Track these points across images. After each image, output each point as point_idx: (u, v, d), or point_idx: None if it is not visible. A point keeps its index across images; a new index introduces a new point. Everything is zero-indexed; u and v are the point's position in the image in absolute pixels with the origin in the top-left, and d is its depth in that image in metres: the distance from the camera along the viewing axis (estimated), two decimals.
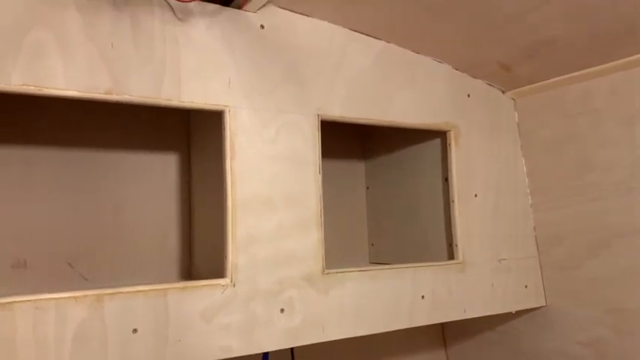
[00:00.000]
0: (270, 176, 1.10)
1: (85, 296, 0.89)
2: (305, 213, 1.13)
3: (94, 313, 0.89)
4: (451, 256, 1.38)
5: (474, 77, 1.44)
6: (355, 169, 1.72)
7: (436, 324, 1.81)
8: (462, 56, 1.36)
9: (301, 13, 1.17)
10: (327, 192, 1.64)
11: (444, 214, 1.42)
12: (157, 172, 1.38)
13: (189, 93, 1.03)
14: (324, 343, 1.58)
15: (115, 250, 1.31)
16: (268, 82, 1.12)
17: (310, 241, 1.13)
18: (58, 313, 0.87)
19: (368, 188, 1.71)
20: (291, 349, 1.47)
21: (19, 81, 0.88)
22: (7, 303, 0.83)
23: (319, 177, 1.16)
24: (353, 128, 1.73)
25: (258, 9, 1.10)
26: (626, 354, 1.32)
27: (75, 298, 0.88)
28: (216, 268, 1.11)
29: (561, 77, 1.37)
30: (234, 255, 1.04)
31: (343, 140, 1.70)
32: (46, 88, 0.90)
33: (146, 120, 1.37)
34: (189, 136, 1.42)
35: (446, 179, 1.41)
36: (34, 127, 1.24)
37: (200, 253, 1.34)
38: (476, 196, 1.40)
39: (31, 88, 0.89)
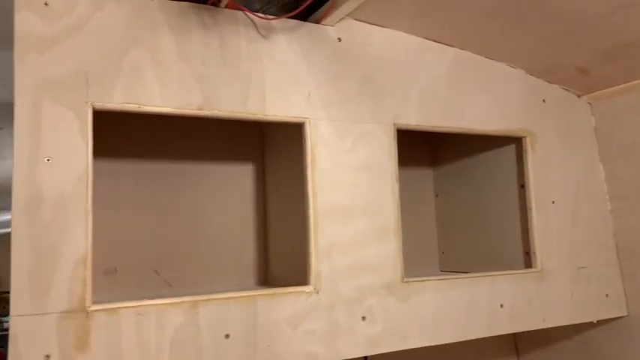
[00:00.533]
0: (349, 185, 1.12)
1: (182, 302, 0.94)
2: (383, 222, 1.14)
3: (190, 318, 0.94)
4: (528, 264, 1.35)
5: (550, 82, 1.41)
6: (424, 177, 1.72)
7: (508, 334, 1.78)
8: (538, 61, 1.34)
9: (377, 25, 1.19)
10: None
11: (520, 222, 1.40)
12: (234, 182, 1.42)
13: (273, 107, 1.06)
14: (394, 352, 1.59)
15: (197, 257, 1.36)
16: (345, 93, 1.14)
17: (389, 249, 1.14)
18: (158, 318, 0.91)
19: (437, 196, 1.71)
20: (365, 356, 1.48)
21: (120, 99, 0.93)
22: (114, 309, 0.89)
23: (396, 186, 1.17)
24: (422, 136, 1.72)
25: (336, 22, 1.13)
26: None
27: (172, 304, 0.93)
28: (292, 276, 1.14)
29: None
30: (317, 263, 1.07)
31: (412, 148, 1.70)
32: (145, 105, 0.95)
33: (223, 133, 1.42)
34: (264, 147, 1.46)
35: (522, 186, 1.39)
36: (120, 141, 1.31)
37: (276, 261, 1.38)
38: (553, 202, 1.37)
39: (132, 106, 0.94)
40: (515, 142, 1.41)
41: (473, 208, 1.57)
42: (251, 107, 1.04)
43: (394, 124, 1.18)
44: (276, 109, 1.06)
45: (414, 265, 1.60)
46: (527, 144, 1.36)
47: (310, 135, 1.09)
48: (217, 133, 1.41)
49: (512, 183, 1.43)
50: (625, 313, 1.43)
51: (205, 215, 1.38)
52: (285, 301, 1.02)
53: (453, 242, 1.65)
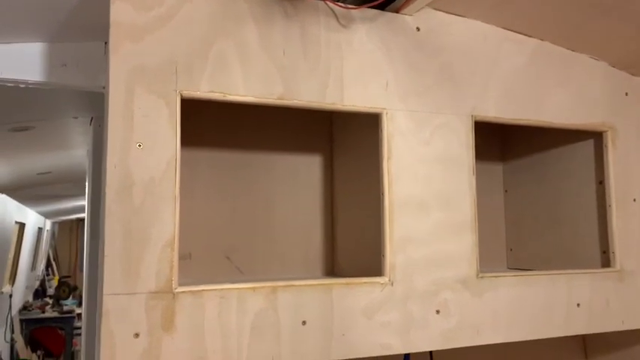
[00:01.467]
0: (425, 178, 1.11)
1: (262, 287, 0.95)
2: (459, 215, 1.13)
3: (269, 303, 0.95)
4: (606, 263, 1.30)
5: (633, 75, 1.35)
6: (493, 172, 1.68)
7: (578, 336, 1.72)
8: (621, 53, 1.29)
9: (456, 14, 1.17)
10: None
11: (597, 220, 1.35)
12: (302, 173, 1.44)
13: (351, 97, 1.06)
14: (460, 350, 1.56)
15: (266, 245, 1.38)
16: (423, 83, 1.13)
17: (465, 243, 1.12)
18: (240, 302, 0.94)
19: (506, 191, 1.67)
20: (430, 351, 1.47)
21: (207, 88, 0.96)
22: (198, 291, 0.91)
23: (473, 179, 1.15)
24: (492, 128, 1.69)
25: (415, 12, 1.11)
26: None
27: (253, 288, 0.95)
28: (360, 268, 1.14)
29: None
30: (392, 254, 1.06)
31: (481, 141, 1.66)
32: (229, 94, 0.97)
33: (294, 124, 1.43)
34: (332, 139, 1.46)
35: (600, 182, 1.34)
36: (196, 131, 1.35)
37: (343, 253, 1.38)
38: (635, 200, 1.31)
39: (217, 95, 0.97)
40: (594, 136, 1.35)
41: (545, 204, 1.52)
42: (329, 97, 1.05)
43: (472, 115, 1.16)
44: (353, 100, 1.06)
45: (481, 262, 1.58)
46: (608, 139, 1.30)
47: (387, 126, 1.08)
48: (288, 124, 1.42)
49: (589, 179, 1.38)
50: None
51: (275, 205, 1.40)
52: (360, 291, 1.02)
53: (522, 239, 1.61)
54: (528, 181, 1.59)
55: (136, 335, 0.87)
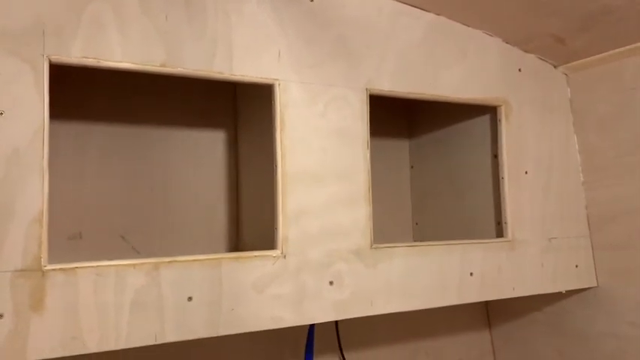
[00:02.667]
0: (320, 150, 1.10)
1: (143, 264, 0.91)
2: (354, 188, 1.13)
3: (152, 280, 0.92)
4: (500, 234, 1.35)
5: (526, 51, 1.40)
6: (399, 148, 1.70)
7: (480, 304, 1.79)
8: (514, 29, 1.32)
9: None
10: (371, 171, 1.63)
11: (492, 192, 1.39)
12: (205, 149, 1.40)
13: (241, 66, 1.03)
14: (366, 321, 1.59)
15: (166, 224, 1.33)
16: (317, 55, 1.11)
17: (359, 215, 1.13)
18: (118, 279, 0.89)
19: (412, 167, 1.70)
20: (336, 324, 1.48)
21: (79, 53, 0.90)
22: (71, 269, 0.86)
23: (367, 152, 1.15)
24: (398, 106, 1.71)
25: None
26: None
27: (133, 265, 0.91)
28: (264, 243, 1.13)
29: (618, 50, 1.32)
30: (285, 227, 1.05)
31: (388, 118, 1.69)
32: (104, 60, 0.92)
33: (195, 98, 1.38)
34: (237, 114, 1.43)
35: (495, 156, 1.39)
36: (87, 103, 1.27)
37: (248, 228, 1.36)
38: (526, 173, 1.36)
39: (91, 61, 0.91)
40: (490, 111, 1.40)
41: (447, 179, 1.56)
42: (217, 66, 1.01)
43: (367, 89, 1.16)
44: (244, 69, 1.03)
45: (387, 236, 1.60)
46: (502, 113, 1.35)
47: (280, 97, 1.06)
48: (189, 98, 1.38)
49: (486, 153, 1.43)
50: (594, 284, 1.45)
51: (175, 182, 1.36)
52: (251, 265, 1.00)
53: (426, 213, 1.65)
54: (432, 157, 1.62)
55: (0, 316, 0.81)
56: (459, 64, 1.29)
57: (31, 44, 0.86)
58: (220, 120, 1.41)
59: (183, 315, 0.94)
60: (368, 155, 1.15)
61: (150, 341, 0.91)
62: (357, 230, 1.12)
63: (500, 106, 1.35)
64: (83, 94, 1.26)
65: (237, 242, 1.40)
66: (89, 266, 0.88)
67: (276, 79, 1.06)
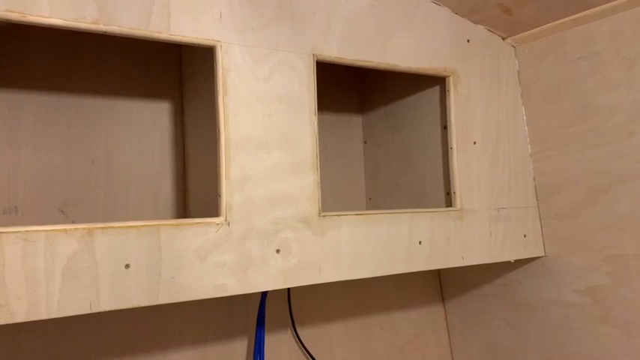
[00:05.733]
0: (265, 116, 1.07)
1: (76, 229, 0.87)
2: (301, 155, 1.11)
3: (85, 246, 0.88)
4: (449, 204, 1.36)
5: (474, 22, 1.40)
6: (353, 124, 1.69)
7: (434, 279, 1.81)
8: None
9: None
10: (324, 147, 1.62)
11: (442, 164, 1.40)
12: (149, 120, 1.35)
13: (180, 26, 0.99)
14: (320, 292, 1.58)
15: (108, 197, 1.29)
16: (262, 17, 1.08)
17: (306, 182, 1.11)
18: (48, 245, 0.85)
19: (365, 142, 1.69)
20: (288, 292, 1.47)
21: (1, 6, 0.84)
22: None
23: (315, 119, 1.13)
24: (350, 81, 1.70)
25: None
26: (625, 300, 1.31)
27: (65, 230, 0.86)
28: (210, 213, 1.09)
29: (562, 20, 1.34)
30: (229, 194, 1.02)
31: (341, 94, 1.68)
32: (30, 15, 0.86)
33: (137, 66, 1.33)
34: (182, 84, 1.39)
35: (445, 127, 1.39)
36: (20, 71, 1.21)
37: (195, 200, 1.32)
38: (475, 143, 1.37)
39: (14, 15, 0.85)
40: (439, 83, 1.40)
41: (399, 152, 1.56)
42: (154, 25, 0.97)
43: (314, 55, 1.14)
44: (182, 29, 0.99)
45: (342, 210, 1.60)
46: (451, 84, 1.35)
47: (222, 60, 1.03)
48: (131, 66, 1.33)
49: (436, 125, 1.43)
50: (542, 254, 1.47)
51: (117, 154, 1.31)
52: (192, 232, 0.97)
53: (379, 188, 1.64)
54: (384, 131, 1.62)
55: None
56: (407, 33, 1.28)
57: None
58: (165, 90, 1.37)
59: (120, 283, 0.90)
60: (315, 122, 1.13)
61: (84, 310, 0.87)
62: (305, 198, 1.10)
63: (448, 76, 1.35)
64: (15, 59, 1.20)
65: (184, 215, 1.37)
66: (16, 231, 0.83)
67: (218, 41, 1.03)
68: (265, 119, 1.07)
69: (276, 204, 1.07)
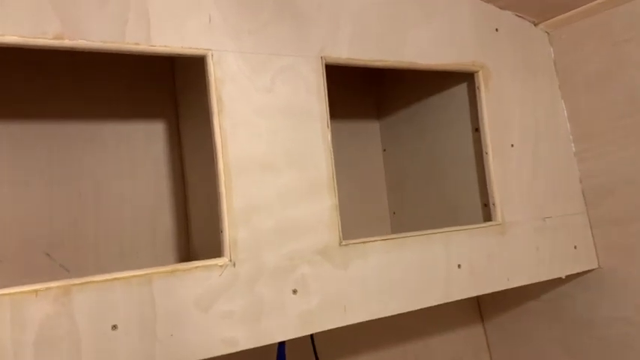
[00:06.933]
0: (269, 133, 0.91)
1: (48, 289, 0.72)
2: (313, 175, 0.95)
3: (61, 308, 0.72)
4: (488, 217, 1.19)
5: (501, 8, 1.23)
6: (369, 131, 1.53)
7: (470, 297, 1.63)
8: None
9: None
10: (339, 158, 1.45)
11: (476, 171, 1.23)
12: (141, 144, 1.20)
13: (161, 35, 0.84)
14: (346, 326, 1.40)
15: (99, 234, 1.13)
16: (258, 18, 0.92)
17: (322, 207, 0.94)
18: (15, 311, 0.70)
19: (385, 150, 1.52)
20: (311, 335, 1.30)
21: None
22: None
23: (328, 132, 0.97)
24: (364, 83, 1.53)
25: None
26: None
27: (35, 291, 0.71)
28: (213, 247, 0.94)
29: None
30: (232, 228, 0.86)
31: (354, 98, 1.51)
32: None
33: (124, 84, 1.18)
34: (176, 100, 1.23)
35: (476, 129, 1.22)
36: None
37: (198, 233, 1.17)
38: (512, 146, 1.20)
39: None
40: (467, 79, 1.23)
41: (425, 159, 1.39)
42: (131, 36, 0.81)
43: (322, 57, 0.98)
44: (165, 39, 0.84)
45: (363, 230, 1.43)
46: (480, 80, 1.18)
47: (214, 71, 0.87)
48: (116, 84, 1.18)
49: (466, 127, 1.26)
50: (595, 266, 1.29)
51: (108, 185, 1.15)
52: (191, 279, 0.81)
53: (404, 201, 1.47)
54: (406, 137, 1.45)
55: None
56: (427, 26, 1.11)
57: None
58: (157, 109, 1.21)
59: (107, 348, 0.74)
60: (329, 136, 0.97)
61: None
62: (322, 225, 0.94)
63: (477, 71, 1.18)
64: None
65: (187, 252, 1.21)
66: None
67: (208, 50, 0.87)
68: (269, 137, 0.91)
69: (289, 235, 0.91)
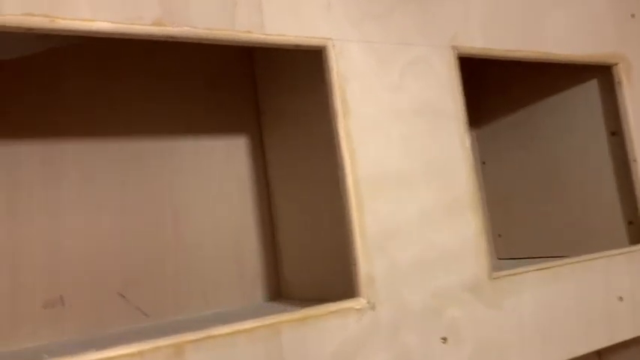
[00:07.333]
0: (402, 139, 0.74)
1: (156, 349, 0.54)
2: (455, 191, 0.76)
3: None
4: (636, 238, 0.98)
5: None
6: None
7: None
8: None
9: None
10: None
11: (615, 181, 1.03)
12: (221, 163, 1.03)
13: (276, 22, 0.67)
14: None
15: (179, 270, 0.96)
16: (383, 2, 0.76)
17: (467, 231, 0.76)
18: None
19: (484, 163, 1.33)
20: None
21: (18, 8, 0.54)
22: None
23: (466, 137, 0.79)
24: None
25: None
26: None
27: (140, 353, 0.53)
28: (317, 282, 0.76)
29: None
30: (367, 261, 0.68)
31: None
32: (62, 18, 0.56)
33: (200, 94, 1.02)
34: (259, 107, 1.07)
35: (613, 133, 1.02)
36: (54, 114, 0.91)
37: (292, 264, 0.99)
38: None
39: (38, 20, 0.55)
40: (599, 74, 1.04)
41: (538, 172, 1.20)
42: (241, 23, 0.65)
43: (453, 47, 0.80)
44: (280, 26, 0.67)
45: None
46: (621, 74, 0.99)
47: (337, 65, 0.70)
48: (191, 94, 1.02)
49: (597, 131, 1.06)
50: None
51: (187, 211, 0.98)
52: (325, 328, 0.63)
53: (513, 221, 1.27)
54: (512, 147, 1.26)
55: None
56: (563, 11, 0.94)
57: None
58: (238, 119, 1.05)
59: None
60: (467, 142, 0.79)
61: None
62: (468, 254, 0.75)
63: (616, 64, 0.99)
64: (47, 101, 0.90)
65: (278, 286, 1.03)
66: None
67: (329, 39, 0.70)
68: (404, 144, 0.74)
69: (433, 267, 0.72)
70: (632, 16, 1.04)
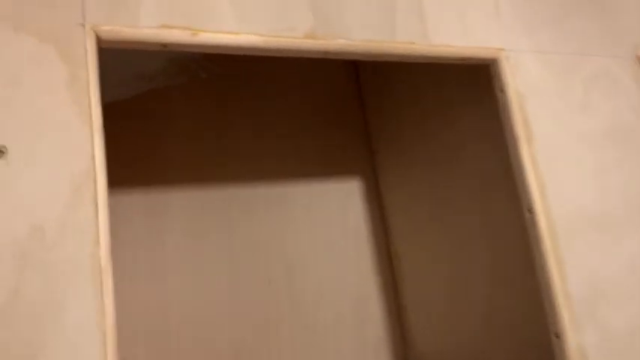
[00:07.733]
0: (598, 170, 0.59)
1: None
2: None
3: None
4: None
5: None
6: None
7: None
8: None
9: None
10: None
11: None
12: (335, 209, 0.90)
13: (441, 31, 0.55)
14: None
15: (295, 334, 0.82)
16: (554, 6, 0.62)
17: None
18: None
19: None
20: None
21: (154, 19, 0.44)
22: None
23: None
24: None
25: None
26: None
27: None
28: (459, 351, 0.60)
29: None
30: (575, 329, 0.52)
31: None
32: (204, 30, 0.45)
33: (305, 136, 0.90)
34: (372, 146, 0.94)
35: None
36: (157, 161, 0.81)
37: (424, 327, 0.83)
38: None
39: (178, 33, 0.44)
40: None
41: None
42: (402, 32, 0.53)
43: (638, 57, 0.66)
44: (444, 35, 0.55)
45: None
46: None
47: (514, 80, 0.57)
48: (296, 138, 0.89)
49: None
50: None
51: (302, 265, 0.85)
52: None
53: None
54: None
55: None
56: None
57: (57, 8, 0.41)
58: (349, 162, 0.92)
59: None
60: None
61: None
62: None
63: None
64: (149, 151, 0.80)
65: (405, 352, 0.87)
66: None
67: (501, 49, 0.57)
68: (599, 176, 0.58)
69: None
70: None
